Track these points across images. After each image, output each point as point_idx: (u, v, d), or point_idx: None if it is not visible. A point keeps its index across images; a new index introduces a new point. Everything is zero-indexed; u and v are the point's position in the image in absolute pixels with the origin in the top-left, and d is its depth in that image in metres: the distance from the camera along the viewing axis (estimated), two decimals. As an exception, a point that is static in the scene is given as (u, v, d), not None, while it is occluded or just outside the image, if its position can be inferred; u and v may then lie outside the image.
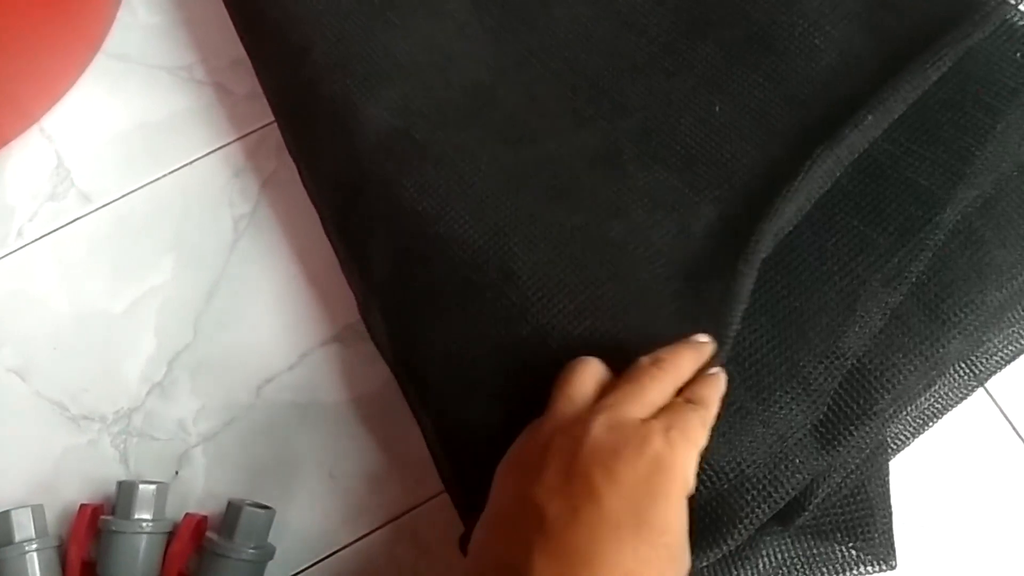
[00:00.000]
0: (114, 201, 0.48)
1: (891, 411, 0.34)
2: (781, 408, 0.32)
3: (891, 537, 0.36)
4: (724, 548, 0.31)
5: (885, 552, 0.36)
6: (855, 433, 0.33)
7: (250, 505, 0.39)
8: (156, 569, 0.39)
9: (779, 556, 0.36)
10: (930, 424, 0.39)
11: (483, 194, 0.37)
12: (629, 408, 0.28)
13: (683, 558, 0.27)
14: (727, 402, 0.31)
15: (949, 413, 0.39)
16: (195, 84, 0.50)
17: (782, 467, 0.32)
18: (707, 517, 0.31)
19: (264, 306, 0.45)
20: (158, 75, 0.50)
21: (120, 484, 0.40)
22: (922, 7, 0.38)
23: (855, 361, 0.34)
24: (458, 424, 0.36)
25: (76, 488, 0.42)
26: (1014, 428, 0.41)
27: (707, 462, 0.31)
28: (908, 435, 0.39)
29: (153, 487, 0.40)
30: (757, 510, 0.32)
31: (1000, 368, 0.39)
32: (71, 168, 0.49)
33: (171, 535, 0.40)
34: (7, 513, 0.39)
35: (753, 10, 0.40)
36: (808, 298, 0.34)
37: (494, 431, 0.34)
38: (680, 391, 0.30)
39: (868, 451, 0.35)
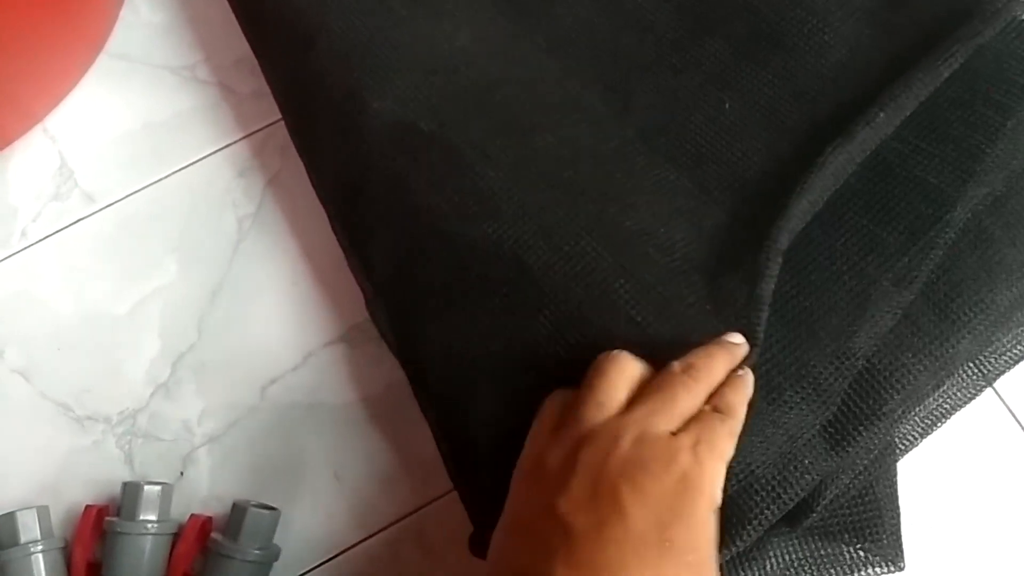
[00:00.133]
0: (118, 201, 0.48)
1: (900, 411, 0.34)
2: (791, 408, 0.32)
3: (899, 538, 0.36)
4: (733, 550, 0.31)
5: (893, 553, 0.36)
6: (864, 434, 0.33)
7: (255, 506, 0.39)
8: (161, 570, 0.39)
9: (787, 557, 0.36)
10: (938, 424, 0.39)
11: (494, 188, 0.37)
12: (659, 421, 0.27)
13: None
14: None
15: (957, 413, 0.39)
16: (198, 83, 0.50)
17: (791, 468, 0.32)
18: (716, 519, 0.31)
19: (269, 306, 0.45)
20: (161, 74, 0.50)
21: (125, 485, 0.40)
22: (931, 3, 0.38)
23: (864, 361, 0.33)
24: (467, 421, 0.36)
25: (81, 489, 0.42)
26: (1023, 428, 0.41)
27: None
28: (916, 435, 0.38)
29: (158, 488, 0.39)
30: (766, 511, 0.31)
31: (1009, 368, 0.39)
32: (74, 168, 0.49)
33: (176, 536, 0.40)
34: (12, 514, 0.39)
35: (761, 6, 0.40)
36: (818, 298, 0.34)
37: (506, 427, 0.34)
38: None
39: (877, 452, 0.35)
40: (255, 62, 0.47)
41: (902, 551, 0.36)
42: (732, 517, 0.30)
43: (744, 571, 0.35)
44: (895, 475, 0.37)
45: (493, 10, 0.43)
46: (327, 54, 0.41)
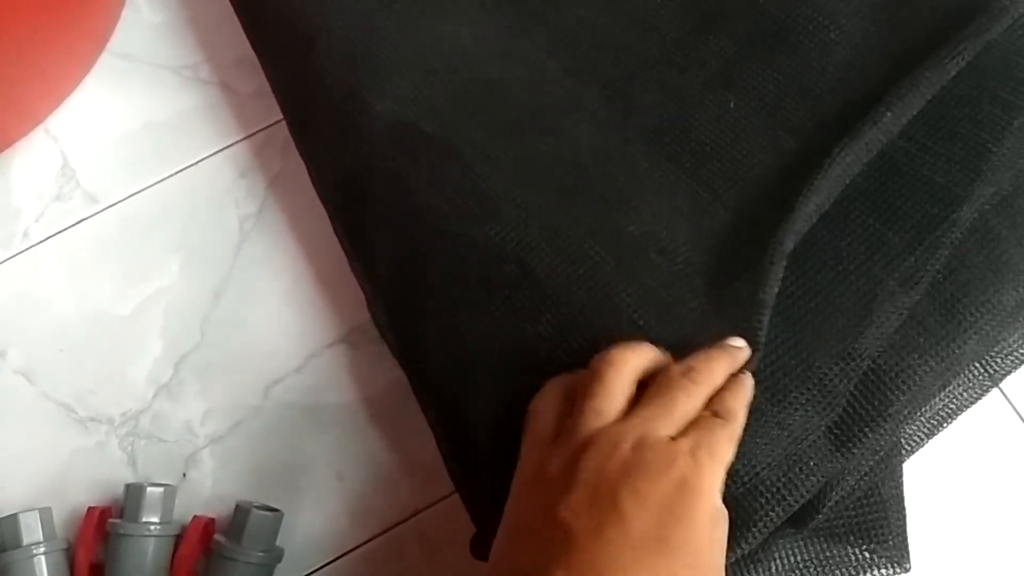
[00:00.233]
0: (120, 202, 0.47)
1: (906, 412, 0.34)
2: (796, 410, 0.32)
3: (905, 539, 0.36)
4: (738, 552, 0.31)
5: (899, 554, 0.35)
6: (870, 435, 0.33)
7: (258, 508, 0.39)
8: (164, 572, 0.39)
9: (792, 559, 0.36)
10: (944, 425, 0.38)
11: (496, 189, 0.37)
12: (658, 426, 0.27)
13: None
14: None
15: (964, 413, 0.38)
16: (200, 83, 0.50)
17: (796, 470, 0.32)
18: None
19: (271, 307, 0.45)
20: (163, 74, 0.50)
21: (128, 487, 0.40)
22: (937, 1, 0.37)
23: (870, 362, 0.33)
24: (467, 422, 0.36)
25: (84, 490, 0.42)
26: (1030, 428, 0.41)
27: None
28: (922, 436, 0.38)
29: (161, 489, 0.39)
30: (771, 513, 0.31)
31: (1015, 368, 0.38)
32: (77, 168, 0.48)
33: (179, 538, 0.40)
34: (15, 516, 0.39)
35: (766, 3, 0.39)
36: (824, 299, 0.34)
37: (506, 429, 0.34)
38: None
39: (882, 453, 0.34)
40: (256, 62, 0.47)
41: (908, 552, 0.35)
42: (737, 519, 0.30)
43: (750, 573, 0.35)
44: (901, 476, 0.37)
45: (494, 9, 0.43)
46: (328, 55, 0.41)
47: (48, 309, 0.46)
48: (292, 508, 0.41)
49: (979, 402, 0.38)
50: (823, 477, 0.32)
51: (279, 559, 0.39)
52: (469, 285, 0.36)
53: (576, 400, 0.29)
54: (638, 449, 0.27)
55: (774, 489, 0.31)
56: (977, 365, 0.38)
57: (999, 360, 0.38)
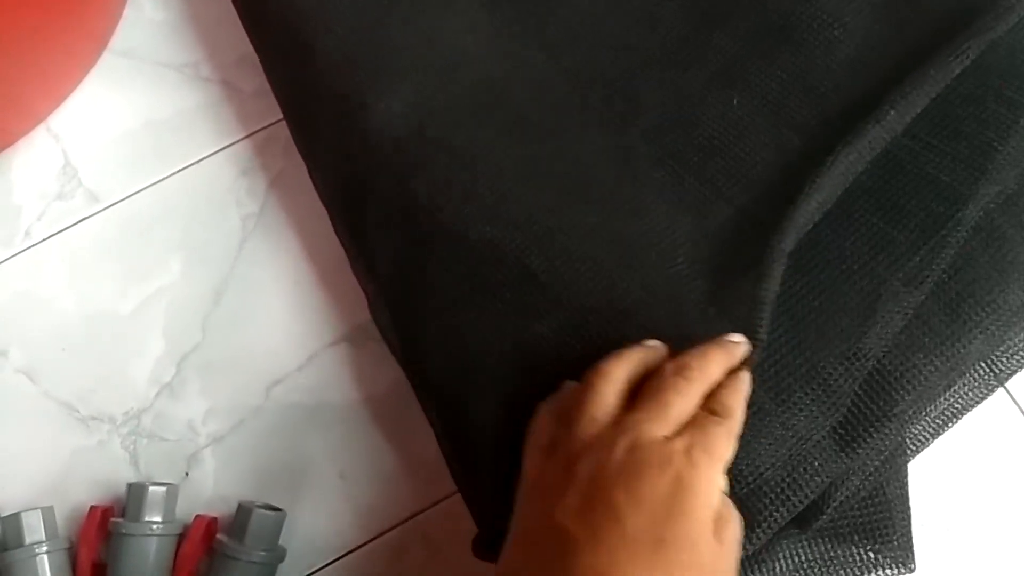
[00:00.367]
0: (121, 200, 0.47)
1: (911, 412, 0.34)
2: (801, 410, 0.32)
3: (910, 539, 0.36)
4: (742, 552, 0.30)
5: (904, 555, 0.35)
6: (875, 435, 0.33)
7: (260, 507, 0.39)
8: (166, 571, 0.39)
9: (796, 559, 0.36)
10: (949, 425, 0.38)
11: (498, 191, 0.37)
12: (651, 427, 0.27)
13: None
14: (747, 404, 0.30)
15: (969, 413, 0.38)
16: (202, 82, 0.49)
17: (801, 470, 0.32)
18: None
19: (273, 306, 0.45)
20: (165, 73, 0.50)
21: (130, 486, 0.40)
22: (942, -2, 0.37)
23: (875, 362, 0.33)
24: (468, 422, 0.36)
25: (86, 490, 0.42)
26: (1035, 428, 0.40)
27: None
28: (927, 436, 0.38)
29: (163, 489, 0.39)
30: (776, 514, 0.31)
31: (1021, 367, 0.38)
32: (78, 167, 0.48)
33: (181, 537, 0.40)
34: (17, 515, 0.39)
35: (768, 1, 0.39)
36: (828, 298, 0.34)
37: (508, 430, 0.34)
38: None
39: (887, 453, 0.34)
40: (258, 60, 0.47)
41: (913, 552, 0.35)
42: (741, 519, 0.30)
43: (754, 573, 0.35)
44: (906, 476, 0.37)
45: (494, 9, 0.43)
46: (330, 56, 0.41)
47: (50, 308, 0.45)
48: (294, 507, 0.41)
49: (984, 402, 0.38)
50: (827, 477, 0.32)
51: (281, 558, 0.39)
52: (470, 286, 0.36)
53: (571, 411, 0.29)
54: (632, 451, 0.27)
55: (778, 490, 0.31)
56: (982, 365, 0.38)
57: (1004, 360, 0.38)
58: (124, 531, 0.38)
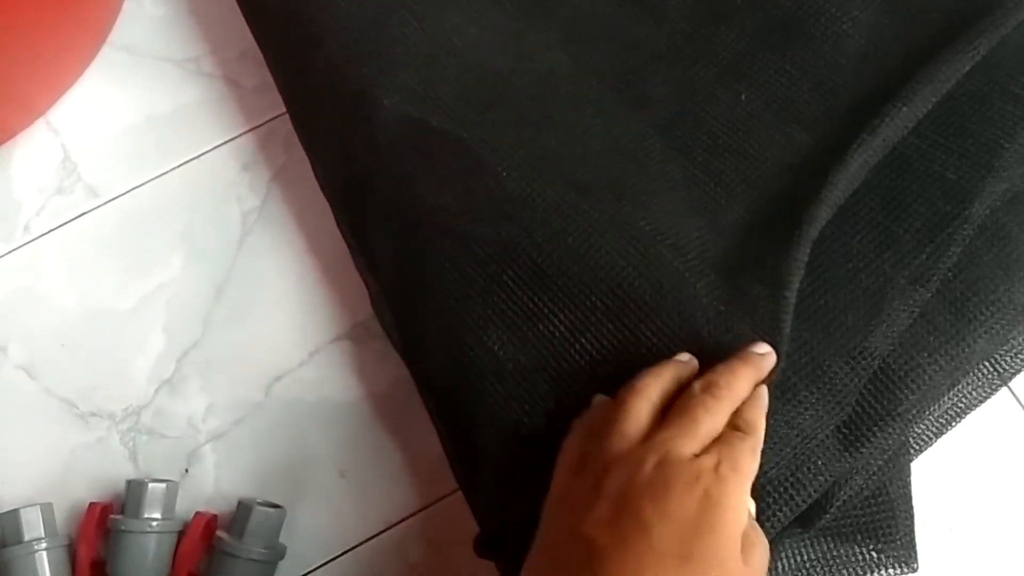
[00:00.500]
0: (122, 195, 0.47)
1: (915, 411, 0.34)
2: (806, 409, 0.32)
3: (912, 539, 0.35)
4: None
5: (906, 554, 0.35)
6: (879, 434, 0.33)
7: (261, 504, 0.39)
8: (166, 568, 0.39)
9: (798, 558, 0.36)
10: (953, 424, 0.38)
11: (506, 188, 0.37)
12: (680, 444, 0.27)
13: None
14: None
15: (972, 412, 0.38)
16: (203, 76, 0.49)
17: (804, 469, 0.31)
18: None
19: (274, 302, 0.44)
20: (165, 67, 0.50)
21: (129, 483, 0.40)
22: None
23: (880, 360, 0.33)
24: (471, 422, 0.35)
25: (85, 486, 0.42)
26: (1039, 428, 0.40)
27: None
28: (930, 435, 0.38)
29: (163, 486, 0.39)
30: (779, 513, 0.31)
31: (1025, 366, 0.38)
32: (78, 162, 0.48)
33: (181, 534, 0.40)
34: (16, 512, 0.39)
35: None
36: (834, 296, 0.33)
37: (512, 431, 0.33)
38: None
39: (891, 452, 0.34)
40: (260, 55, 0.46)
41: (915, 552, 0.35)
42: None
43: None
44: (909, 475, 0.36)
45: (504, 4, 0.42)
46: (336, 50, 0.41)
47: (49, 304, 0.45)
48: (295, 505, 0.40)
49: (988, 401, 0.38)
50: (831, 477, 0.32)
51: (281, 556, 0.39)
52: (478, 285, 0.35)
53: (602, 427, 0.29)
54: (661, 467, 0.27)
55: (782, 489, 0.31)
56: (986, 364, 0.38)
57: (1008, 359, 0.38)
58: (123, 528, 0.38)
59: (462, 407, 0.36)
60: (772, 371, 0.31)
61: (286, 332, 0.44)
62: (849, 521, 0.35)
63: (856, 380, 0.32)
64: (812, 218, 0.32)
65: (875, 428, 0.33)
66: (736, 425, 0.29)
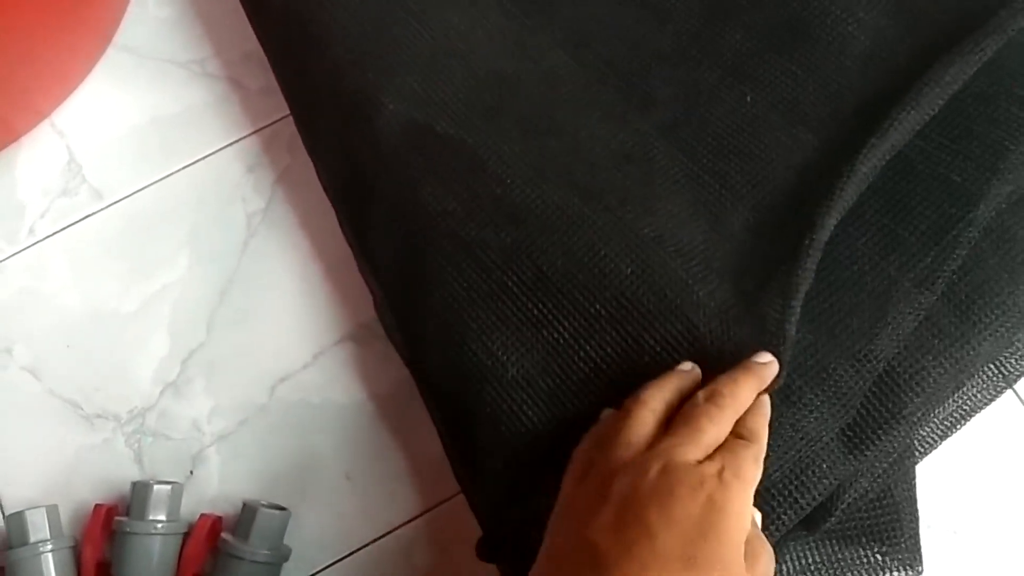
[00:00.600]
0: (126, 197, 0.47)
1: (920, 414, 0.34)
2: (811, 412, 0.32)
3: (917, 542, 0.35)
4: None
5: (911, 557, 0.35)
6: (883, 437, 0.33)
7: (265, 506, 0.39)
8: (171, 570, 0.39)
9: (803, 560, 0.35)
10: (958, 427, 0.38)
11: (511, 193, 0.37)
12: (685, 451, 0.28)
13: None
14: None
15: (978, 415, 0.38)
16: (207, 78, 0.49)
17: (809, 472, 0.31)
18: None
19: (278, 304, 0.44)
20: (170, 69, 0.50)
21: (134, 484, 0.40)
22: (957, -5, 0.37)
23: (885, 363, 0.33)
24: (474, 427, 0.35)
25: (90, 488, 0.42)
26: (1043, 430, 0.40)
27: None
28: (935, 438, 0.38)
29: (168, 487, 0.39)
30: (783, 516, 0.31)
31: (1030, 369, 0.38)
32: (83, 164, 0.48)
33: (186, 536, 0.40)
34: (21, 514, 0.39)
35: None
36: (839, 299, 0.33)
37: (514, 435, 0.33)
38: None
39: (896, 455, 0.34)
40: (264, 56, 0.47)
41: (920, 555, 0.35)
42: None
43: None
44: (914, 478, 0.36)
45: (509, 5, 0.42)
46: (338, 53, 0.41)
47: (54, 305, 0.45)
48: (299, 506, 0.40)
49: (993, 404, 0.38)
50: (836, 479, 0.32)
51: (286, 558, 0.39)
52: (482, 290, 0.35)
53: (608, 437, 0.30)
54: (665, 473, 0.27)
55: (786, 492, 0.31)
56: (991, 366, 0.38)
57: (1013, 361, 0.38)
58: (128, 530, 0.38)
59: (464, 410, 0.36)
60: (776, 380, 0.31)
61: (290, 334, 0.44)
62: (854, 524, 0.35)
63: (861, 383, 0.32)
64: (822, 225, 0.32)
65: (880, 431, 0.33)
66: (739, 433, 0.29)
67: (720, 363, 0.31)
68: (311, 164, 0.45)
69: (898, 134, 0.33)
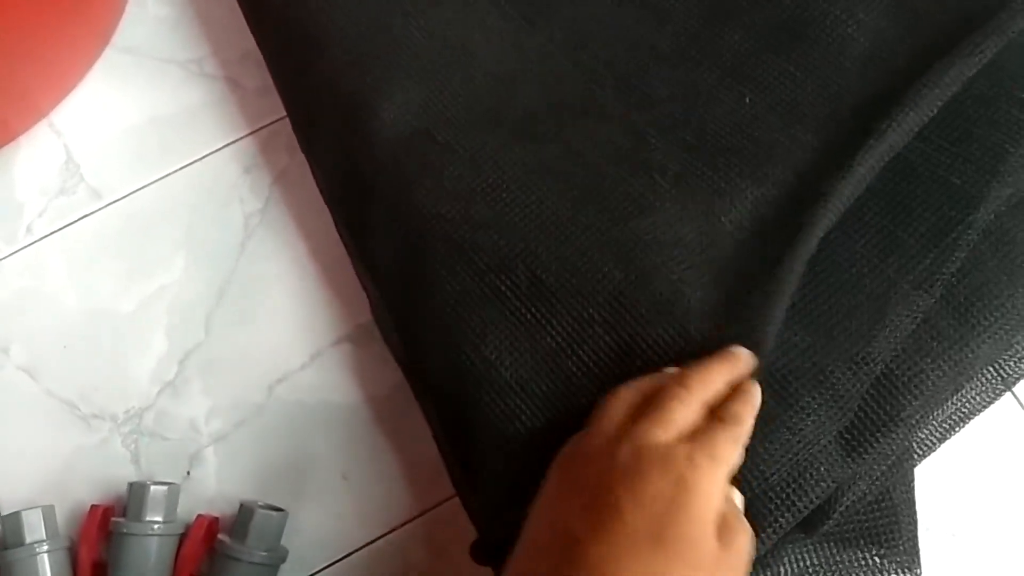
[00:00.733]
0: (124, 197, 0.47)
1: (918, 417, 0.33)
2: (808, 414, 0.32)
3: (916, 544, 0.35)
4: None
5: (909, 560, 0.35)
6: (881, 440, 0.33)
7: (262, 507, 0.39)
8: (168, 571, 0.39)
9: (801, 563, 0.35)
10: (956, 429, 0.38)
11: (507, 197, 0.37)
12: (654, 432, 0.28)
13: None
14: None
15: (976, 418, 0.38)
16: (205, 78, 0.49)
17: (807, 475, 0.31)
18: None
19: (275, 305, 0.44)
20: (168, 69, 0.50)
21: (131, 485, 0.40)
22: (956, -4, 0.37)
23: (883, 366, 0.33)
24: (469, 430, 0.35)
25: (87, 488, 0.42)
26: (1042, 433, 0.40)
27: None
28: (934, 440, 0.38)
29: (164, 488, 0.39)
30: (781, 519, 0.31)
31: (1029, 371, 0.38)
32: (80, 163, 0.48)
33: (182, 537, 0.39)
34: (18, 514, 0.39)
35: None
36: (837, 301, 0.33)
37: (509, 438, 0.33)
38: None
39: (894, 458, 0.34)
40: (262, 57, 0.46)
41: (919, 557, 0.35)
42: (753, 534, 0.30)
43: (758, 577, 0.34)
44: (912, 481, 0.36)
45: (507, 7, 0.42)
46: (336, 55, 0.41)
47: (51, 305, 0.45)
48: (296, 507, 0.40)
49: (992, 406, 0.38)
50: (834, 482, 0.32)
51: (283, 559, 0.39)
52: (477, 294, 0.35)
53: (584, 431, 0.30)
54: (635, 455, 0.27)
55: (784, 495, 0.31)
56: (990, 369, 0.38)
57: (1012, 364, 0.38)
58: (125, 531, 0.38)
59: (459, 414, 0.36)
60: (757, 370, 0.31)
61: (288, 334, 0.44)
62: (852, 526, 0.35)
63: (859, 385, 0.32)
64: (813, 224, 0.32)
65: (878, 434, 0.33)
66: (720, 417, 0.29)
67: None
68: (308, 166, 0.45)
69: (896, 135, 0.33)
